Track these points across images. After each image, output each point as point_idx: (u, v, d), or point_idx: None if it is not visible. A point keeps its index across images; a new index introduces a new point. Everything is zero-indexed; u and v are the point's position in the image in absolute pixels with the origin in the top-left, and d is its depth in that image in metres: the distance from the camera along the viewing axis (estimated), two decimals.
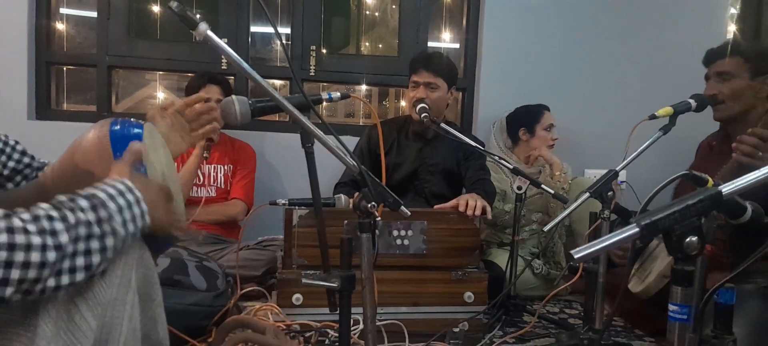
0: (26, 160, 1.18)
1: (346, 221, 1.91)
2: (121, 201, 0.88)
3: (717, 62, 2.12)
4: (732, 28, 3.19)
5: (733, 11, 3.19)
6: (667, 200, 1.96)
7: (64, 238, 0.78)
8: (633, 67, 3.09)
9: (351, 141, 2.72)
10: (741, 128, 1.89)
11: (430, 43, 3.18)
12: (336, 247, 1.30)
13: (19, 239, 0.74)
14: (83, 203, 0.83)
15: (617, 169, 1.80)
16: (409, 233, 1.98)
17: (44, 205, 0.81)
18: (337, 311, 1.29)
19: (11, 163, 1.15)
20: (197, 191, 2.61)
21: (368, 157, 2.56)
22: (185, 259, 1.90)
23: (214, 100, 2.56)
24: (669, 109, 1.85)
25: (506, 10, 3.01)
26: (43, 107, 2.93)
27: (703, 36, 2.87)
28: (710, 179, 1.25)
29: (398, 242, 1.98)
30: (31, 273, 0.76)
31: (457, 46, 3.30)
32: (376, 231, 1.30)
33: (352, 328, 1.75)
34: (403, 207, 1.35)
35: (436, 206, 2.12)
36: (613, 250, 2.03)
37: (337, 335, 1.81)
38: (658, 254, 1.87)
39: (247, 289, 2.14)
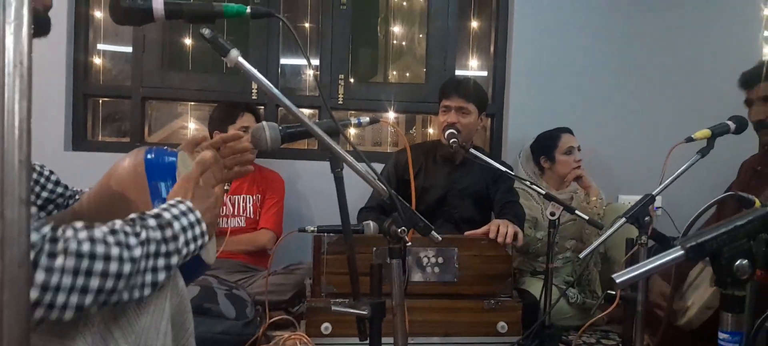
0: (59, 190, 1.20)
1: (374, 248, 1.89)
2: (185, 222, 0.91)
3: (759, 86, 2.05)
4: (767, 50, 3.11)
5: None
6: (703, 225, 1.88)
7: (137, 252, 0.81)
8: (665, 91, 3.03)
9: (379, 169, 2.71)
10: None
11: (458, 71, 3.17)
12: (365, 274, 1.28)
13: (100, 248, 0.77)
14: (151, 222, 0.87)
15: (654, 193, 1.75)
16: (440, 259, 1.95)
17: (118, 221, 0.84)
18: (367, 340, 1.26)
19: (45, 194, 1.18)
20: (226, 222, 2.62)
21: (395, 182, 2.53)
22: (215, 287, 1.90)
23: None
24: (707, 132, 1.80)
25: (535, 34, 2.99)
26: (80, 138, 3.00)
27: (737, 58, 2.80)
28: (757, 200, 1.20)
29: (428, 269, 1.95)
30: (109, 283, 0.78)
31: (484, 73, 3.28)
32: (407, 257, 1.28)
33: None
34: (433, 232, 1.32)
35: (466, 233, 2.08)
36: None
37: None
38: (700, 282, 1.80)
39: (276, 318, 2.12)
